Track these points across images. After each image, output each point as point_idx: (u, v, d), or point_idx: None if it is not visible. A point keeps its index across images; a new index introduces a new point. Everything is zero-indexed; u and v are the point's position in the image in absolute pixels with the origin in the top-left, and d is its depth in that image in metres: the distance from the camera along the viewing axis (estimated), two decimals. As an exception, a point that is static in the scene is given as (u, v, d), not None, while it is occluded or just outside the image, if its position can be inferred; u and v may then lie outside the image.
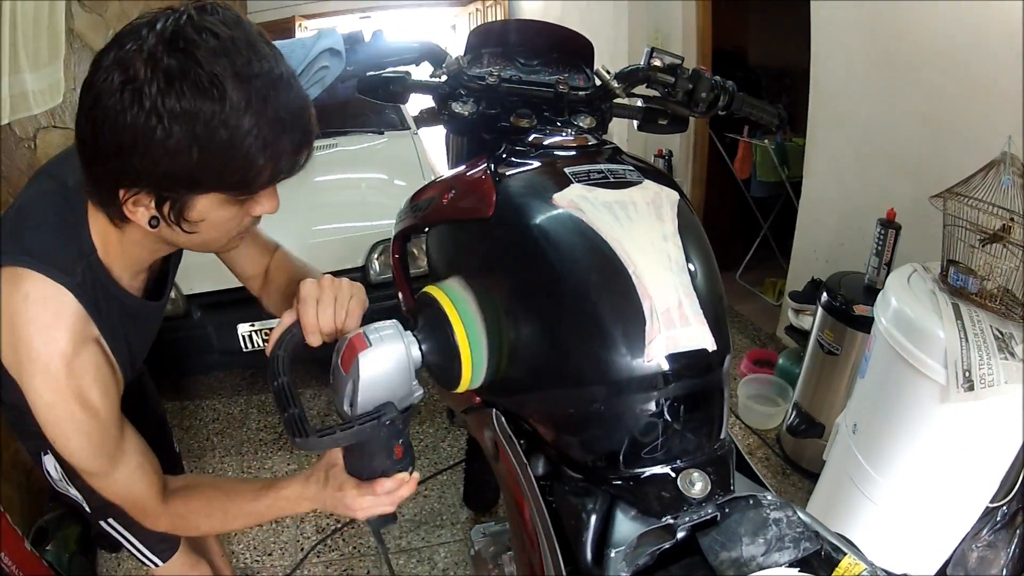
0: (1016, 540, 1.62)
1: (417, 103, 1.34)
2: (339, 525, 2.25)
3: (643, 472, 0.79)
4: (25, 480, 2.06)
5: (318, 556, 2.15)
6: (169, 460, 0.99)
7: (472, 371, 0.86)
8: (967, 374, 1.35)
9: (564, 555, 0.78)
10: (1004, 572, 1.64)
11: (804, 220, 2.97)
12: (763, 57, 4.05)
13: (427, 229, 1.14)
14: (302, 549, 2.17)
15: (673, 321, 0.76)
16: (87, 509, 1.22)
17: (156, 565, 1.33)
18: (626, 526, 0.76)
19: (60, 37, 2.27)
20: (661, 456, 0.79)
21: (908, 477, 1.56)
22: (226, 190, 0.76)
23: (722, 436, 0.85)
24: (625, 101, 1.26)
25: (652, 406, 0.77)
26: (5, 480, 1.96)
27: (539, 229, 0.82)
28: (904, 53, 2.20)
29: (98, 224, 0.86)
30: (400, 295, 1.42)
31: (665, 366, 0.75)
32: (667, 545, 0.77)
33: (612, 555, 0.74)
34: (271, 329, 0.88)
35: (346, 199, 3.03)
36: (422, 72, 1.29)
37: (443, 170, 1.59)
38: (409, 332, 0.84)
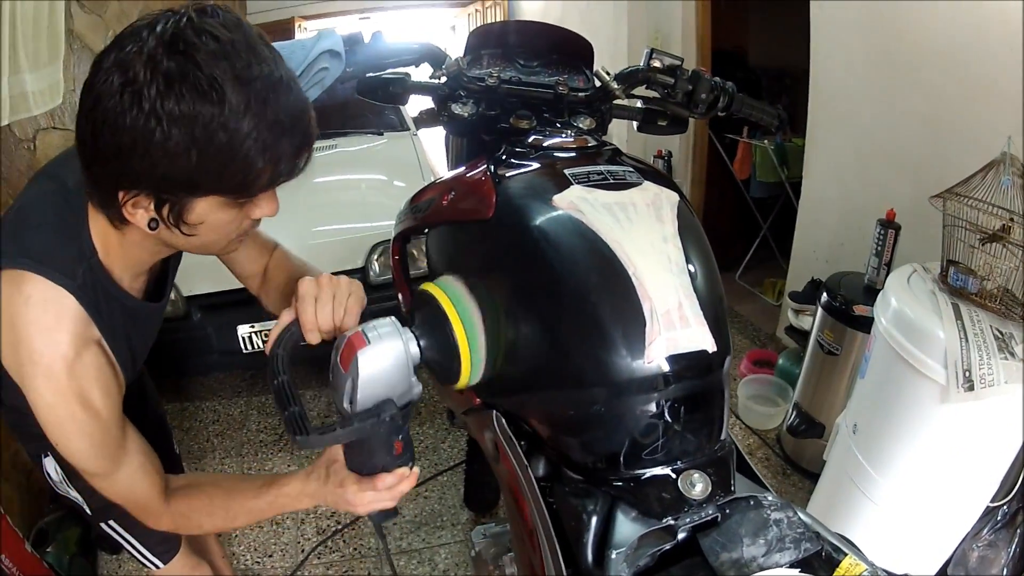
0: (1016, 540, 1.62)
1: (417, 104, 1.34)
2: (339, 527, 2.26)
3: (644, 473, 0.79)
4: (25, 481, 2.06)
5: (319, 558, 2.15)
6: (169, 461, 1.00)
7: (471, 367, 0.86)
8: (967, 374, 1.35)
9: (565, 556, 0.78)
10: (1005, 572, 1.64)
11: (804, 220, 2.97)
12: (763, 57, 4.05)
13: (427, 230, 1.14)
14: (303, 551, 2.17)
15: (673, 322, 0.76)
16: (88, 511, 1.22)
17: (157, 567, 1.33)
18: (627, 527, 0.76)
19: (60, 38, 2.27)
20: (661, 457, 0.79)
21: (908, 477, 1.56)
22: (225, 193, 0.76)
23: (722, 437, 0.85)
24: (625, 102, 1.26)
25: (652, 407, 0.77)
26: (5, 481, 1.96)
27: (539, 231, 0.82)
28: (904, 53, 2.20)
29: (98, 226, 0.86)
30: (400, 296, 1.42)
31: (665, 367, 0.75)
32: (668, 546, 0.76)
33: (613, 556, 0.74)
34: (271, 330, 0.88)
35: (346, 200, 3.03)
36: (422, 73, 1.29)
37: (443, 171, 1.59)
38: (407, 329, 0.84)
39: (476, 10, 7.88)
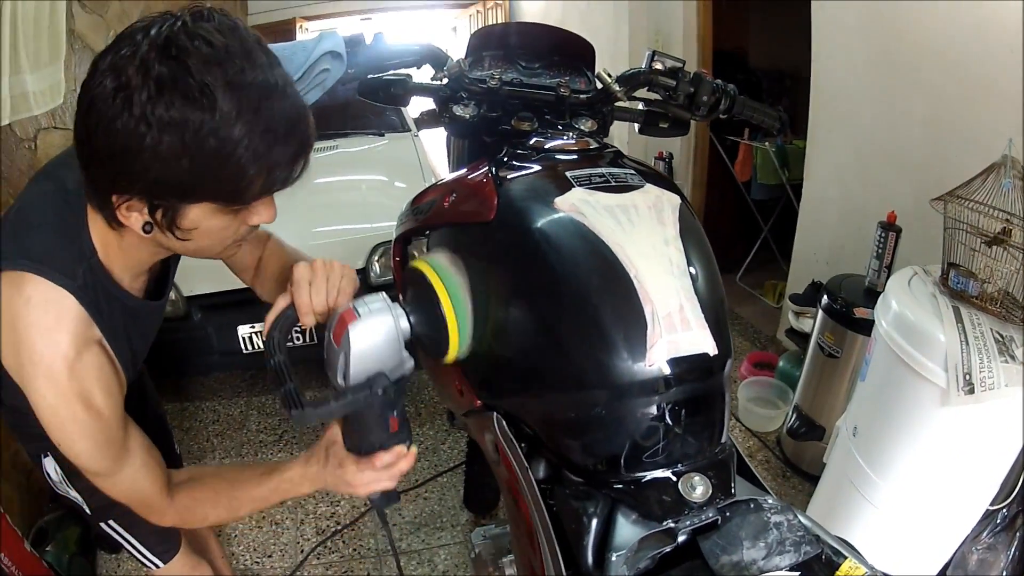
0: (1016, 542, 1.62)
1: (418, 105, 1.34)
2: (339, 527, 2.26)
3: (644, 476, 0.79)
4: (25, 481, 2.06)
5: (318, 558, 2.15)
6: (169, 460, 1.00)
7: (459, 339, 0.88)
8: (967, 377, 1.35)
9: (565, 558, 0.78)
10: (1004, 574, 1.64)
11: (805, 222, 2.97)
12: (764, 59, 4.05)
13: (428, 232, 1.14)
14: (302, 551, 2.17)
15: (674, 325, 0.76)
16: (87, 510, 1.22)
17: (156, 566, 1.33)
18: (627, 530, 0.76)
19: (61, 38, 2.27)
20: (662, 460, 0.80)
21: (908, 480, 1.56)
22: (218, 200, 0.76)
23: (723, 440, 0.85)
24: (626, 104, 1.26)
25: (653, 410, 0.77)
26: (5, 481, 1.96)
27: (541, 233, 0.83)
28: (905, 55, 2.20)
29: (98, 226, 0.86)
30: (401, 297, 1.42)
31: (666, 370, 0.75)
32: (668, 549, 0.76)
33: (613, 559, 0.74)
34: (267, 314, 0.89)
35: (347, 201, 3.03)
36: (423, 75, 1.29)
37: (443, 172, 1.59)
38: (397, 305, 0.87)
39: (477, 11, 7.89)
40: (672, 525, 0.75)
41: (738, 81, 1.21)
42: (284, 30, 6.67)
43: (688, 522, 0.75)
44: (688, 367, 0.77)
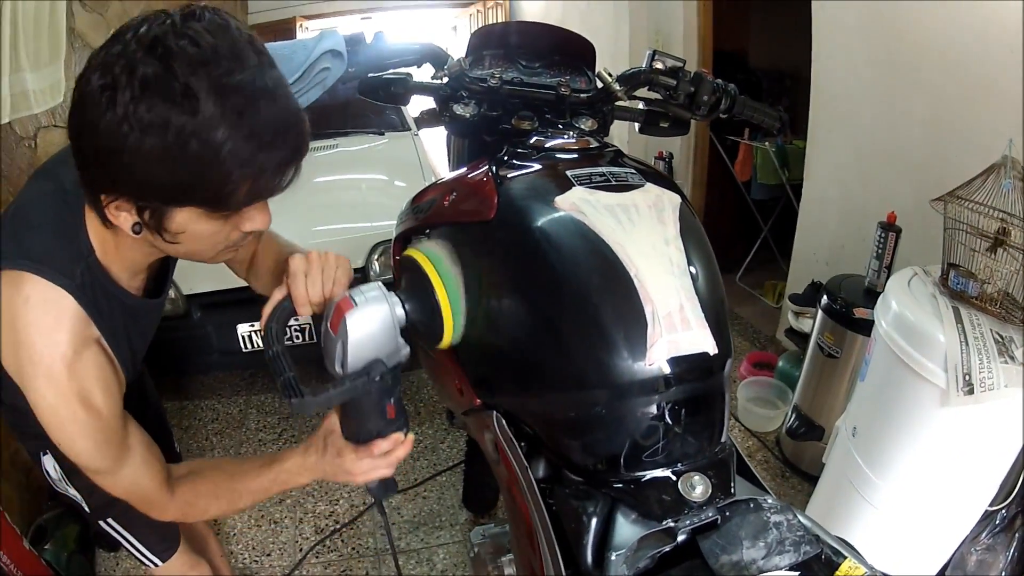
0: (1015, 543, 1.62)
1: (418, 104, 1.34)
2: (338, 526, 2.26)
3: (644, 475, 0.79)
4: (24, 479, 2.06)
5: (317, 557, 2.15)
6: (169, 458, 1.00)
7: (453, 324, 0.89)
8: (967, 378, 1.35)
9: (564, 558, 0.78)
10: (1003, 575, 1.64)
11: (804, 223, 2.97)
12: (764, 59, 4.04)
13: (428, 231, 1.14)
14: (300, 550, 2.17)
15: (675, 325, 0.76)
16: (86, 509, 1.22)
17: (155, 565, 1.33)
18: (627, 529, 0.76)
19: (61, 36, 2.27)
20: (662, 459, 0.80)
21: (907, 480, 1.56)
22: (203, 205, 0.74)
23: (723, 439, 0.85)
24: (627, 103, 1.26)
25: (653, 409, 0.77)
26: (4, 479, 1.96)
27: (541, 232, 0.83)
28: (905, 55, 2.20)
29: (95, 225, 0.86)
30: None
31: (666, 370, 0.76)
32: (667, 548, 0.76)
33: (612, 558, 0.74)
34: (264, 306, 0.89)
35: (346, 200, 3.03)
36: (423, 74, 1.29)
37: (443, 171, 1.59)
38: (392, 293, 0.87)
39: (477, 11, 7.89)
40: (672, 524, 0.75)
41: (738, 81, 1.21)
42: (284, 29, 6.67)
43: (688, 521, 0.75)
44: (688, 366, 0.77)
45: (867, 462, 1.64)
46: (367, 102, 1.27)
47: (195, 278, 2.45)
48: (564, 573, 0.77)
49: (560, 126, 1.14)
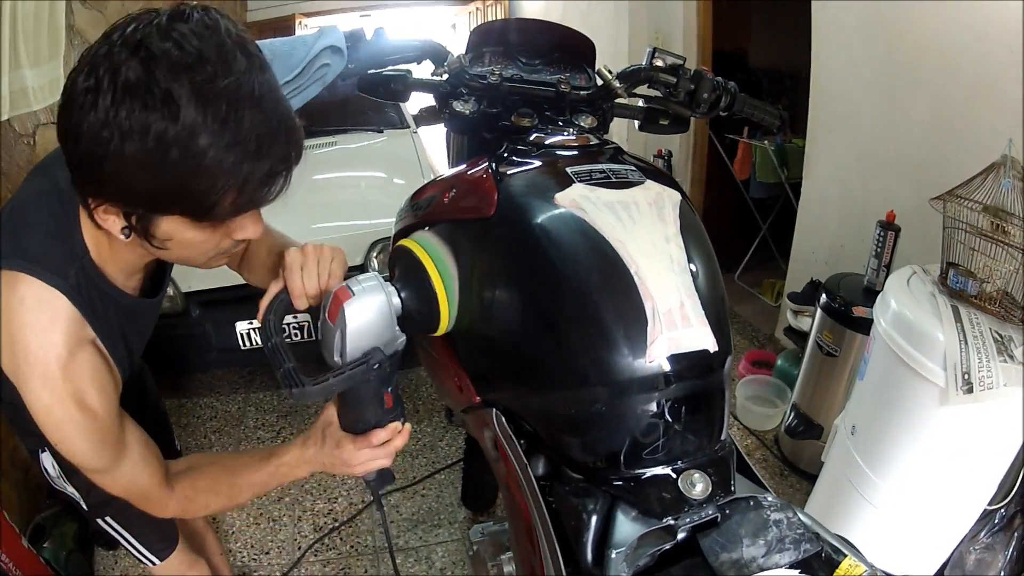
0: (1014, 542, 1.62)
1: (417, 102, 1.34)
2: (337, 524, 2.25)
3: (644, 473, 0.79)
4: (23, 477, 2.06)
5: (315, 555, 2.15)
6: (170, 455, 1.00)
7: (448, 310, 0.89)
8: (966, 376, 1.35)
9: (564, 556, 0.78)
10: (1002, 574, 1.65)
11: (803, 221, 2.97)
12: (764, 58, 4.05)
13: (427, 228, 1.14)
14: (299, 548, 2.17)
15: (675, 322, 0.76)
16: (84, 507, 1.22)
17: (153, 563, 1.33)
18: (627, 527, 0.76)
19: (60, 34, 2.26)
20: (662, 457, 0.80)
21: (906, 479, 1.56)
22: (187, 215, 0.72)
23: (723, 437, 0.85)
24: (626, 101, 1.26)
25: (653, 407, 0.77)
26: (3, 477, 1.96)
27: (541, 229, 0.82)
28: (905, 54, 2.20)
29: (89, 226, 0.85)
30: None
31: (667, 367, 0.76)
32: (667, 546, 0.76)
33: (612, 556, 0.74)
34: (261, 300, 0.90)
35: (345, 197, 3.03)
36: (423, 70, 1.29)
37: (442, 169, 1.58)
38: (388, 283, 0.88)
39: (477, 8, 7.88)
40: (672, 522, 0.75)
41: (738, 80, 1.21)
42: (283, 26, 6.66)
43: (688, 519, 0.75)
44: (688, 364, 0.77)
45: (866, 461, 1.64)
46: (366, 99, 1.27)
47: (194, 276, 2.45)
48: (564, 571, 0.77)
49: (560, 123, 1.14)
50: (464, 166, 1.04)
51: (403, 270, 0.93)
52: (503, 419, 0.90)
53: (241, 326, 2.57)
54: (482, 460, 1.21)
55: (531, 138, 1.04)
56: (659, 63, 1.16)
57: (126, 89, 0.63)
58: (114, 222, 0.74)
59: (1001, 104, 1.83)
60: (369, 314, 0.84)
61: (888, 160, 2.37)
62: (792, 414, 2.38)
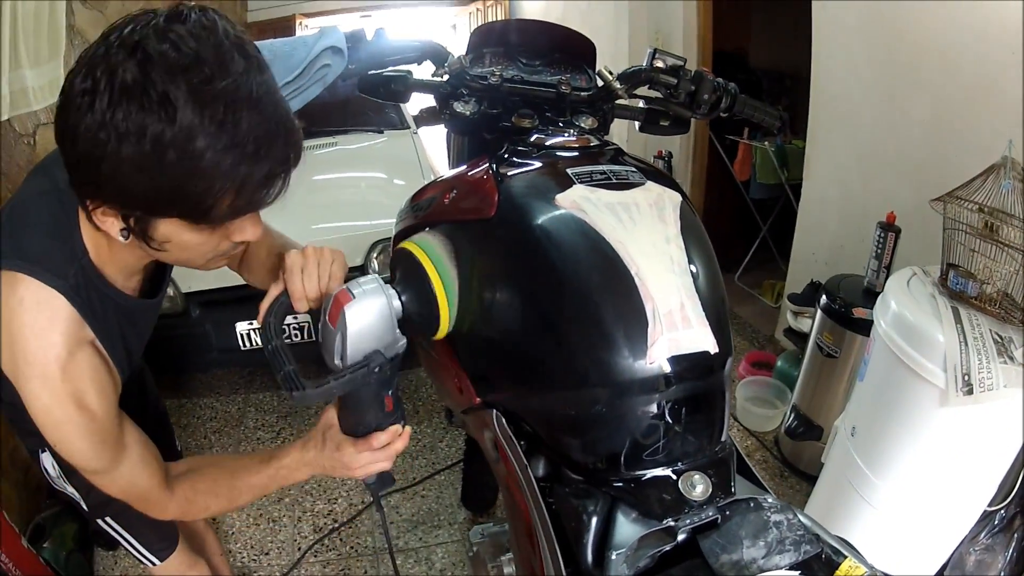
0: (1014, 543, 1.62)
1: (417, 102, 1.34)
2: (336, 525, 2.25)
3: (644, 474, 0.79)
4: (23, 477, 2.06)
5: (315, 556, 2.15)
6: (171, 456, 1.00)
7: (449, 313, 0.89)
8: (966, 378, 1.35)
9: (564, 557, 0.78)
10: (1002, 575, 1.64)
11: (804, 222, 2.97)
12: (764, 59, 4.05)
13: (428, 229, 1.14)
14: (299, 548, 2.17)
15: (675, 323, 0.76)
16: (84, 507, 1.22)
17: (153, 564, 1.33)
18: (627, 528, 0.76)
19: (60, 34, 2.27)
20: (662, 458, 0.79)
21: (906, 480, 1.56)
22: (184, 217, 0.72)
23: (723, 438, 0.85)
24: (627, 102, 1.26)
25: (654, 408, 0.77)
26: (3, 477, 1.96)
27: (542, 230, 0.82)
28: (905, 55, 2.20)
29: (88, 227, 0.85)
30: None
31: (667, 368, 0.75)
32: (668, 547, 0.76)
33: (613, 557, 0.74)
34: (261, 302, 0.90)
35: (345, 198, 3.03)
36: (424, 71, 1.29)
37: (443, 170, 1.58)
38: (389, 286, 0.88)
39: (477, 9, 7.88)
40: (672, 524, 0.75)
41: (738, 81, 1.21)
42: (284, 27, 6.67)
43: (688, 521, 0.75)
44: (689, 365, 0.77)
45: (866, 462, 1.64)
46: (366, 100, 1.27)
47: (194, 276, 2.44)
48: (564, 572, 0.77)
49: (560, 124, 1.14)
50: (465, 167, 1.04)
51: (404, 273, 0.93)
52: (503, 420, 0.90)
53: (241, 326, 2.57)
54: (482, 461, 1.21)
55: (532, 139, 1.04)
56: (659, 64, 1.16)
57: (123, 91, 0.63)
58: (112, 224, 0.74)
59: (1001, 104, 1.83)
60: (370, 317, 0.84)
61: (888, 161, 2.37)
62: (792, 415, 2.38)
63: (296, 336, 2.59)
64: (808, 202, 2.92)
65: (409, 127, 3.63)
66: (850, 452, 1.69)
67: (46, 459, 1.17)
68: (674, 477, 0.79)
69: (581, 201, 0.82)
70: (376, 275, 0.88)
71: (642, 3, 4.14)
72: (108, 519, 1.24)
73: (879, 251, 2.04)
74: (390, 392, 0.89)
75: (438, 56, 1.27)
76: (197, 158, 0.65)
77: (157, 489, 0.93)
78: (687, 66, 1.17)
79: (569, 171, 0.88)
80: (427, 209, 1.08)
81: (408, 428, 0.94)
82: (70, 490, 1.20)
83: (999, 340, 1.39)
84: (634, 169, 0.91)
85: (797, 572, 0.72)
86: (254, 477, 0.95)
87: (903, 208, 2.07)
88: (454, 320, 0.91)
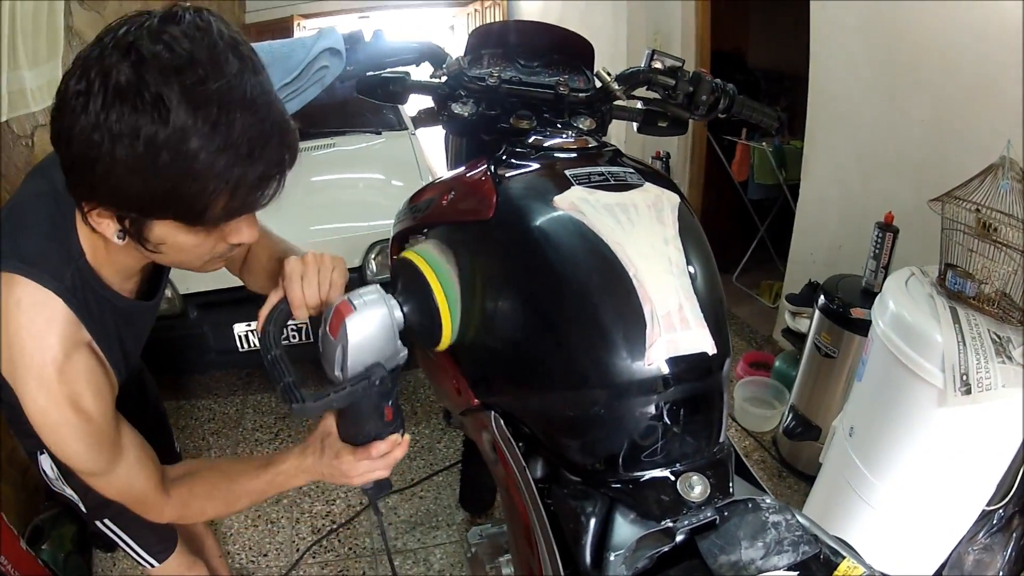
0: (1012, 543, 1.63)
1: (415, 104, 1.34)
2: (335, 526, 2.25)
3: (642, 475, 0.79)
4: (21, 478, 2.05)
5: (314, 557, 2.15)
6: (170, 457, 1.00)
7: (451, 325, 0.89)
8: (964, 378, 1.35)
9: (563, 558, 0.78)
10: (1000, 575, 1.65)
11: (802, 223, 2.97)
12: (762, 59, 4.04)
13: (426, 230, 1.14)
14: (297, 550, 2.17)
15: (674, 324, 0.76)
16: (83, 509, 1.22)
17: (152, 565, 1.33)
18: (625, 529, 0.76)
19: (59, 34, 2.26)
20: (660, 459, 0.79)
21: (905, 480, 1.56)
22: (179, 219, 0.72)
23: (721, 439, 0.85)
24: (625, 103, 1.26)
25: (652, 409, 0.77)
26: (1, 478, 1.95)
27: (540, 231, 0.82)
28: (904, 55, 2.20)
29: (85, 228, 0.85)
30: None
31: (665, 369, 0.75)
32: (666, 548, 0.76)
33: (611, 558, 0.74)
34: (260, 309, 0.89)
35: (343, 199, 3.03)
36: (422, 72, 1.29)
37: (440, 171, 1.59)
38: (390, 296, 0.87)
39: (475, 10, 7.89)
40: (670, 525, 0.75)
41: (737, 81, 1.21)
42: (282, 28, 6.67)
43: (686, 521, 0.75)
44: (687, 366, 0.77)
45: (864, 462, 1.64)
46: (364, 101, 1.27)
47: (192, 277, 2.45)
48: (562, 573, 0.77)
49: (558, 125, 1.13)
50: (463, 168, 1.04)
51: (406, 283, 0.92)
52: (501, 421, 0.90)
53: (239, 328, 2.56)
54: (480, 462, 1.20)
55: (530, 140, 1.04)
56: (658, 65, 1.16)
57: (116, 92, 0.63)
58: (108, 225, 0.74)
59: (1001, 104, 1.83)
60: (371, 329, 0.83)
61: (887, 161, 2.38)
62: (790, 416, 2.38)
63: (294, 337, 2.58)
64: (806, 202, 2.92)
65: (407, 128, 3.62)
66: (848, 452, 1.69)
67: (44, 461, 1.17)
68: (672, 478, 0.79)
69: (579, 202, 0.82)
70: (377, 286, 0.87)
71: (640, 4, 4.14)
72: (107, 521, 1.24)
73: (877, 251, 2.04)
74: (390, 402, 0.88)
75: (436, 57, 1.27)
76: (191, 159, 0.65)
77: (154, 492, 0.93)
78: (685, 67, 1.17)
79: (567, 172, 0.88)
80: (425, 210, 1.08)
81: (407, 436, 0.93)
82: (68, 492, 1.20)
83: (997, 340, 1.39)
84: (632, 170, 0.91)
85: (795, 573, 0.72)
86: (252, 482, 0.95)
87: (901, 208, 2.07)
88: (456, 332, 0.90)
